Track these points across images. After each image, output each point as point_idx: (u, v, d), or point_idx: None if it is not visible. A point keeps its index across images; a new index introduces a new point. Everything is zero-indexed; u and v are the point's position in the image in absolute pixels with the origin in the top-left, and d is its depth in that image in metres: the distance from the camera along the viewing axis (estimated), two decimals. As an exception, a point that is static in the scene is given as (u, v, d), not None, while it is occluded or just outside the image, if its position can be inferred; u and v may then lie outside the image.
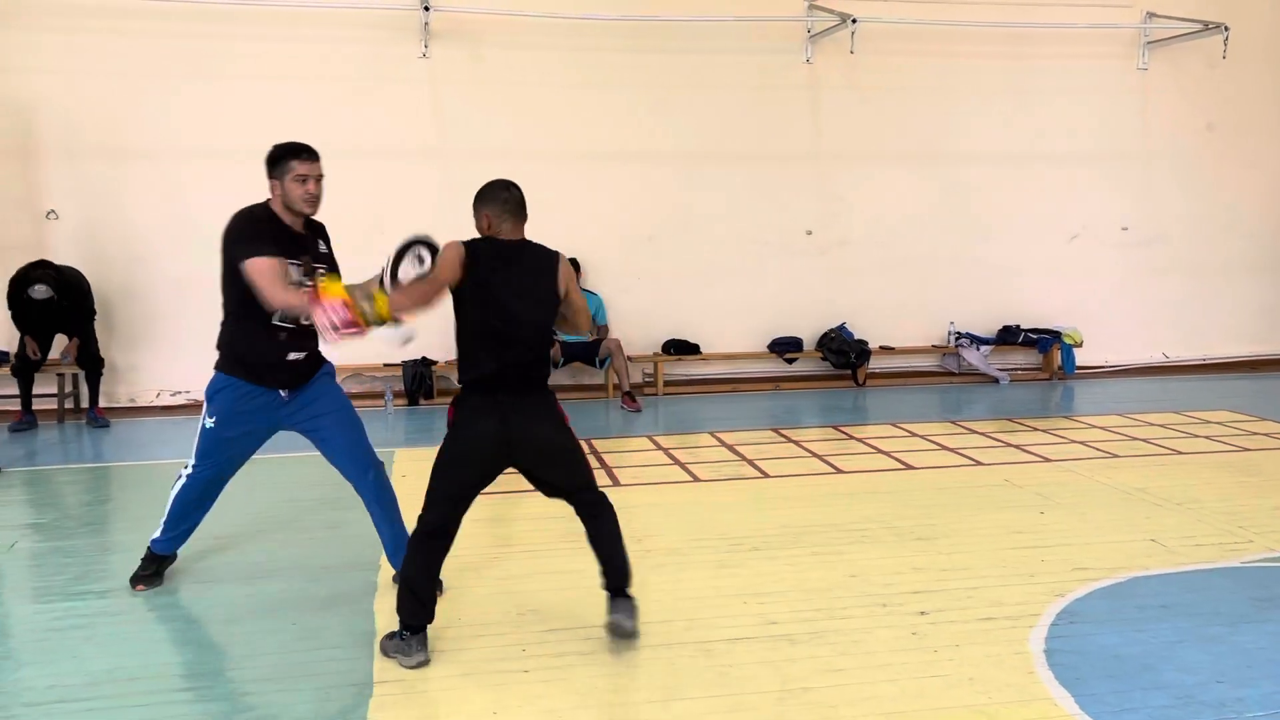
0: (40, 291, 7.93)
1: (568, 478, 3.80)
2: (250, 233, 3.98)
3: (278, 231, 4.05)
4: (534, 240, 3.82)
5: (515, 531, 5.43)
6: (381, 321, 3.63)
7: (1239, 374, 10.53)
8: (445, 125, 9.25)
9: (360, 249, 9.02)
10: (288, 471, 6.79)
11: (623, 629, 3.70)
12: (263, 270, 3.88)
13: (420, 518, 3.71)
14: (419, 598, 3.61)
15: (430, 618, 3.65)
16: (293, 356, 4.16)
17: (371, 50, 9.02)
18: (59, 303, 8.01)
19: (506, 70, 9.24)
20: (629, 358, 9.16)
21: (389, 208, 9.17)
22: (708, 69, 9.52)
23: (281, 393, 4.19)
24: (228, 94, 8.85)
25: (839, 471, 6.48)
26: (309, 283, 4.00)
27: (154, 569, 4.48)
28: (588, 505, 3.81)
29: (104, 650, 3.81)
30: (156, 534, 4.46)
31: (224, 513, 5.68)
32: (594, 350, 9.01)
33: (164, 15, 8.69)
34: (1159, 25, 10.19)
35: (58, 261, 8.23)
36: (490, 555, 4.90)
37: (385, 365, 9.21)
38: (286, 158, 4.07)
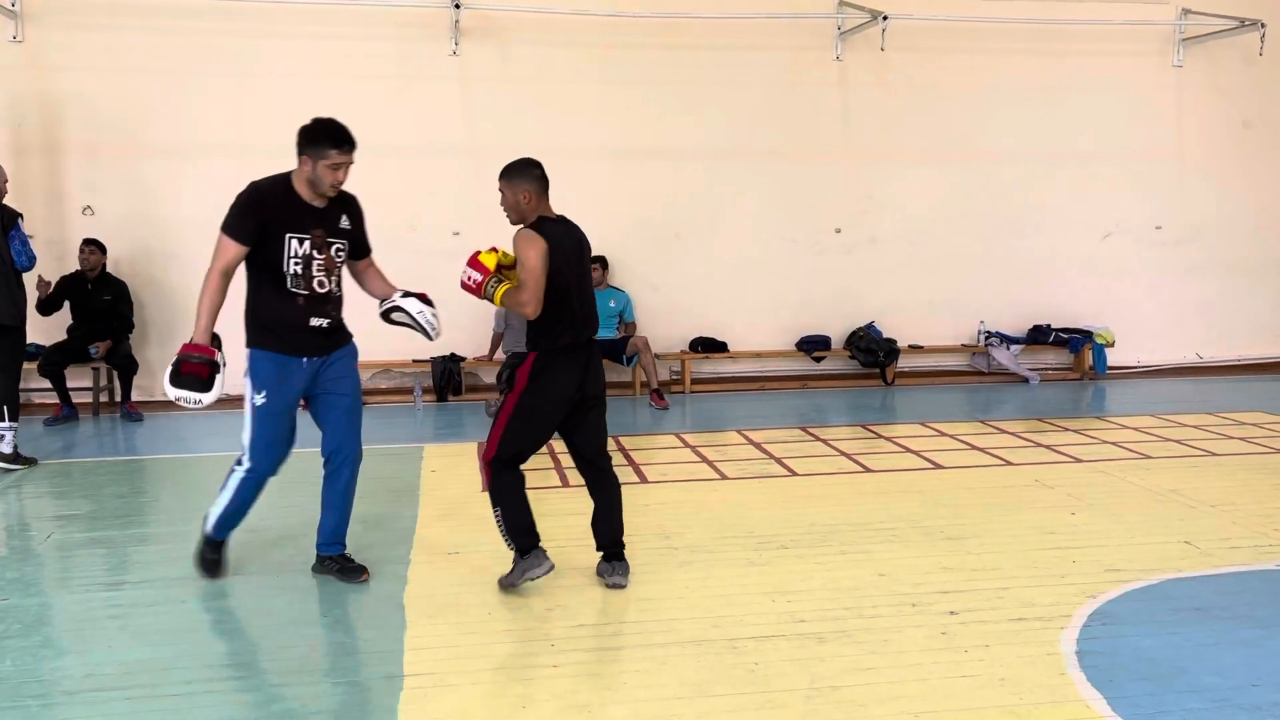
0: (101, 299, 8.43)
1: (598, 438, 4.39)
2: (244, 208, 4.12)
3: (290, 206, 4.14)
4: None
5: (541, 527, 5.43)
6: (490, 299, 4.23)
7: (1273, 375, 10.39)
8: (475, 122, 9.29)
9: (391, 245, 9.16)
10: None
11: (619, 585, 4.28)
12: (223, 250, 4.10)
13: (498, 456, 4.19)
14: (521, 523, 4.20)
15: (536, 538, 4.21)
16: (314, 322, 4.27)
17: (402, 48, 9.08)
18: (114, 307, 8.40)
19: (536, 67, 9.27)
20: (656, 355, 9.16)
21: (420, 205, 9.25)
22: (737, 65, 9.50)
23: (303, 360, 4.24)
24: (257, 91, 8.94)
25: (867, 470, 6.45)
26: (319, 256, 4.19)
27: (219, 554, 4.49)
28: (603, 471, 4.41)
29: (139, 640, 3.86)
30: (211, 525, 4.40)
31: (255, 506, 5.75)
32: (621, 348, 9.02)
33: (194, 13, 8.79)
34: (1194, 22, 10.07)
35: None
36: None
37: (415, 361, 9.26)
38: (325, 143, 4.11)
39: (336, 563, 4.46)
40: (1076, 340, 10.07)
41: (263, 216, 4.08)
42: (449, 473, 6.49)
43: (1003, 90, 9.96)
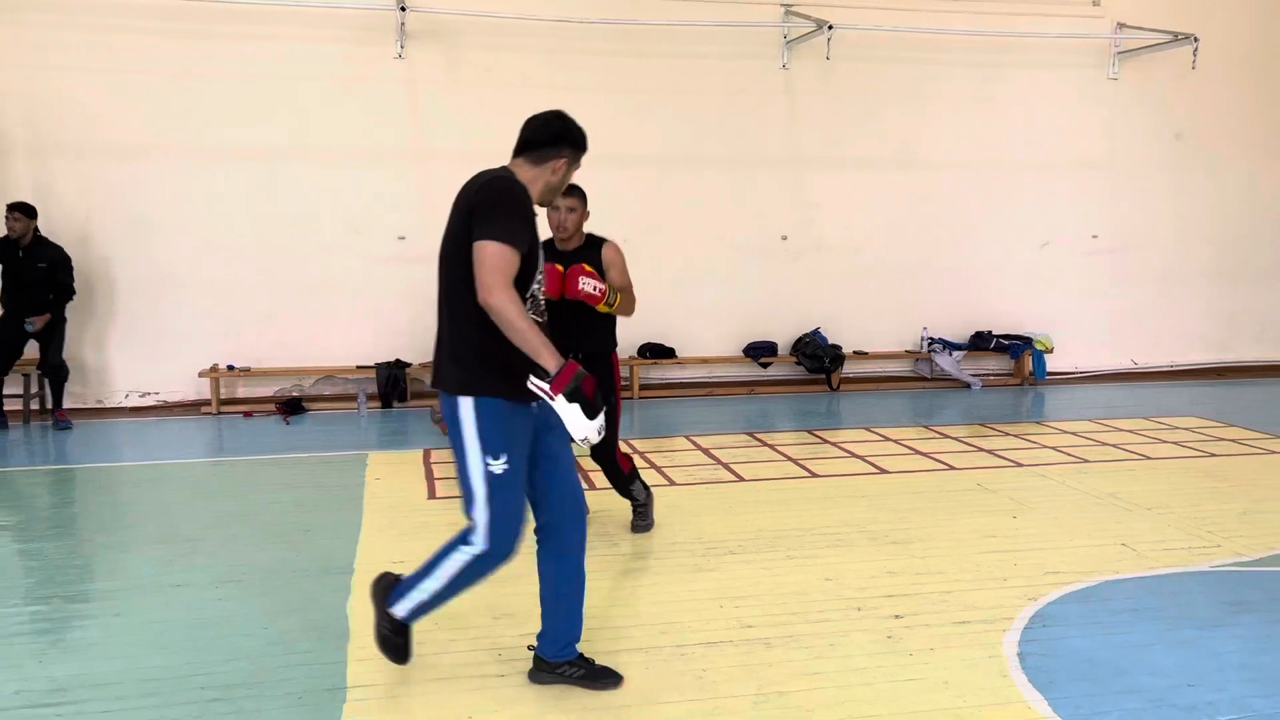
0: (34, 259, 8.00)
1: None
2: (518, 209, 3.14)
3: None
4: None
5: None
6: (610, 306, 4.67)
7: (1205, 380, 10.67)
8: (422, 126, 9.21)
9: (335, 249, 9.09)
10: (257, 473, 6.74)
11: None
12: (505, 263, 3.02)
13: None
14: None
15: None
16: None
17: (347, 50, 8.97)
18: (50, 275, 8.05)
19: (484, 71, 9.22)
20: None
21: (364, 209, 9.14)
22: (685, 73, 9.53)
23: (533, 406, 3.25)
24: (200, 92, 8.78)
25: (814, 475, 6.50)
26: (539, 276, 3.33)
27: (406, 638, 3.46)
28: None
29: (71, 655, 3.75)
30: (407, 609, 3.36)
31: (192, 515, 5.64)
32: (569, 353, 8.99)
33: (136, 12, 8.60)
34: (1129, 35, 10.32)
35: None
36: (465, 559, 4.87)
37: (359, 368, 9.14)
38: (582, 143, 3.42)
39: (580, 666, 3.48)
40: (1017, 347, 10.25)
41: (533, 221, 3.21)
42: (393, 480, 6.40)
43: (945, 100, 10.12)
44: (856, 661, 3.67)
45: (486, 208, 3.09)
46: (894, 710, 3.30)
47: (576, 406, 3.05)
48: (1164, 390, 10.06)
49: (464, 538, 3.28)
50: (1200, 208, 10.85)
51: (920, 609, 4.15)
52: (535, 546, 3.46)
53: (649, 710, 3.31)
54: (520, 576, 4.53)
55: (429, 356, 9.26)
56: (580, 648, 3.52)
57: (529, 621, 4.01)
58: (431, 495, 6.04)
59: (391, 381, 9.05)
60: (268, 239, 9.01)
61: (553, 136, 3.32)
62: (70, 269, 8.20)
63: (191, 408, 8.92)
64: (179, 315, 8.94)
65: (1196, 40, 9.95)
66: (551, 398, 3.04)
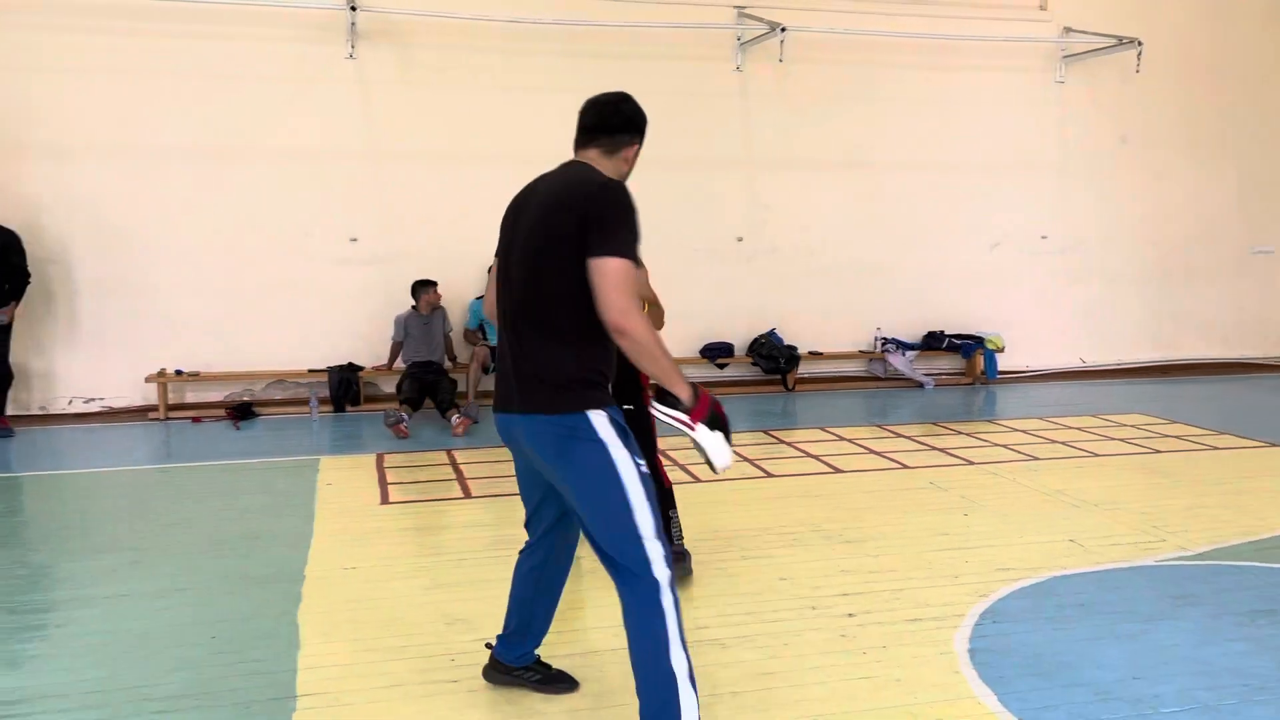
0: None
1: None
2: (634, 218, 2.83)
3: None
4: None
5: (443, 540, 5.36)
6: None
7: (1151, 378, 10.87)
8: (374, 127, 9.12)
9: (287, 251, 8.97)
10: (205, 480, 6.63)
11: None
12: (631, 278, 2.74)
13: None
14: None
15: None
16: None
17: (297, 50, 8.85)
18: (2, 258, 7.88)
19: (436, 72, 9.15)
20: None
21: (316, 210, 9.03)
22: (640, 74, 9.49)
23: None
24: (148, 92, 8.62)
25: (769, 475, 6.52)
26: None
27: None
28: None
29: (14, 668, 3.66)
30: (682, 702, 2.83)
31: (138, 523, 5.54)
32: (524, 356, 8.95)
33: (83, 10, 8.43)
34: (1075, 40, 10.48)
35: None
36: (418, 564, 4.83)
37: (310, 371, 9.03)
38: (643, 133, 3.13)
39: (537, 671, 3.43)
40: (969, 346, 10.37)
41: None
42: (345, 485, 6.33)
43: (897, 102, 10.21)
44: (810, 661, 3.68)
45: (607, 219, 2.75)
46: (848, 708, 3.32)
47: (720, 435, 2.93)
48: (1111, 388, 10.23)
49: (638, 575, 2.82)
50: (1145, 210, 11.06)
51: (873, 607, 4.18)
52: (518, 551, 3.39)
53: (604, 713, 3.30)
54: (475, 582, 4.52)
55: (381, 360, 9.22)
56: (537, 651, 3.49)
57: (483, 628, 3.98)
58: (384, 500, 5.98)
59: (344, 385, 8.95)
60: (217, 241, 8.86)
61: (625, 121, 3.02)
62: (21, 250, 8.03)
63: (138, 414, 8.75)
64: (125, 319, 8.77)
65: (1140, 44, 10.14)
66: (691, 427, 2.90)
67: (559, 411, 2.86)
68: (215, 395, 9.01)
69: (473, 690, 3.45)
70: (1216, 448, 7.32)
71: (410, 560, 4.89)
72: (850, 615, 4.10)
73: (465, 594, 4.38)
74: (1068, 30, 10.52)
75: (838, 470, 6.65)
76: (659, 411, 2.92)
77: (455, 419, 7.93)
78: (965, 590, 4.38)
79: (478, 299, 9.18)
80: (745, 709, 3.31)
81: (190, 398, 9.01)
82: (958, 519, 5.49)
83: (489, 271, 3.06)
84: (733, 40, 9.74)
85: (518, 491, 3.30)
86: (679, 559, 4.38)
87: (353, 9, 8.67)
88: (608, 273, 2.72)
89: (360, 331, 9.15)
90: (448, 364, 8.84)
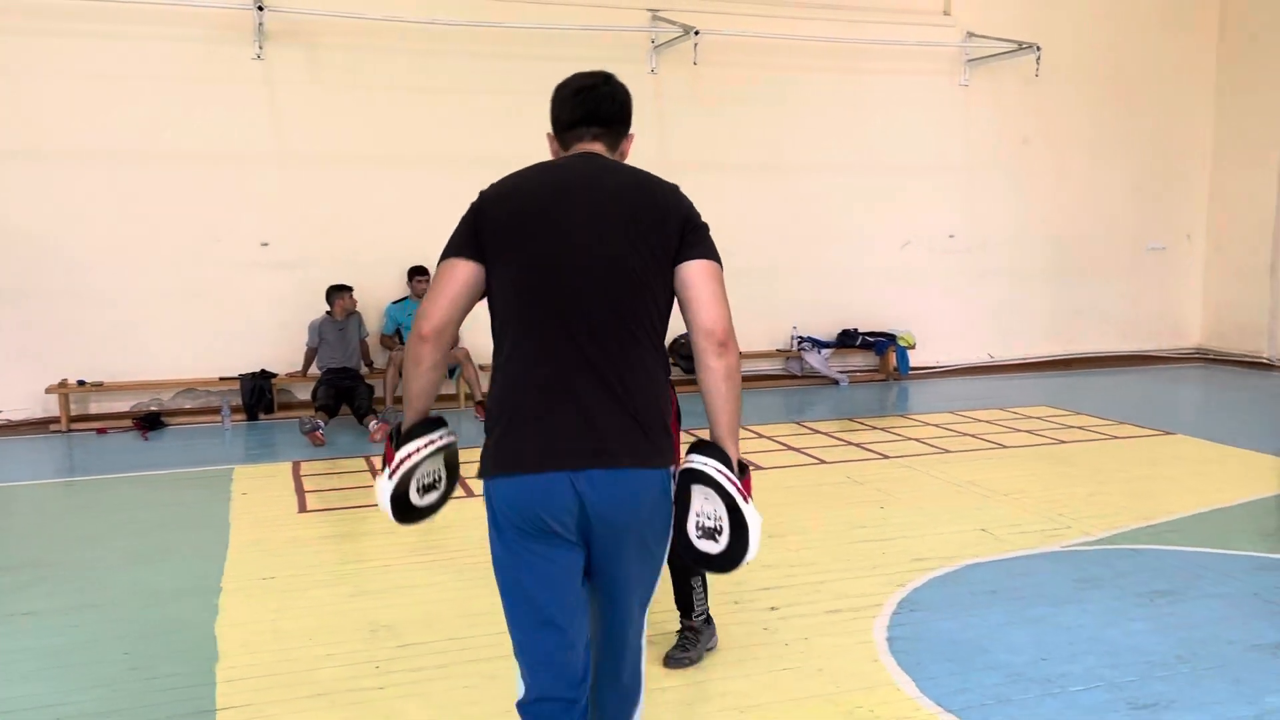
0: None
1: None
2: None
3: None
4: None
5: (364, 547, 5.29)
6: None
7: (1054, 371, 11.26)
8: (282, 129, 8.93)
9: (195, 257, 8.74)
10: (113, 493, 6.44)
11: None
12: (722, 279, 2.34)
13: None
14: None
15: None
16: None
17: (202, 50, 8.63)
18: None
19: (347, 73, 9.01)
20: (480, 366, 9.05)
21: (224, 214, 8.82)
22: (554, 76, 9.48)
23: None
24: (46, 92, 8.31)
25: (690, 474, 6.59)
26: None
27: None
28: None
29: (-91, 693, 3.51)
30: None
31: (42, 538, 5.35)
32: (443, 360, 8.87)
33: (-33, 7, 8.10)
34: (977, 44, 10.80)
35: None
36: (339, 573, 4.76)
37: (221, 379, 8.81)
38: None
39: None
40: (882, 343, 10.61)
41: None
42: (260, 495, 6.20)
43: (809, 105, 10.39)
44: (734, 654, 3.74)
45: (699, 221, 2.34)
46: (771, 699, 3.39)
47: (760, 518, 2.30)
48: (1017, 382, 10.57)
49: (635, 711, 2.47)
50: (1046, 209, 11.44)
51: (795, 600, 4.27)
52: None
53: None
54: (399, 588, 4.48)
55: (296, 366, 9.02)
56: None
57: (406, 633, 3.96)
58: (302, 508, 5.88)
59: (256, 393, 8.75)
60: (121, 246, 8.59)
61: (627, 111, 2.53)
62: None
63: (39, 426, 8.43)
64: (22, 328, 8.44)
65: (1039, 49, 10.50)
66: (746, 498, 2.27)
67: (665, 463, 2.30)
68: (121, 405, 8.73)
69: (401, 697, 3.43)
70: (1116, 437, 7.63)
71: (331, 569, 4.82)
72: (773, 609, 4.17)
73: (390, 600, 4.34)
74: (970, 35, 10.83)
75: (758, 467, 6.74)
76: (720, 474, 2.25)
77: (373, 425, 7.82)
78: (883, 581, 4.49)
79: (394, 303, 9.07)
80: (672, 704, 3.36)
81: (94, 409, 8.71)
82: (874, 512, 5.62)
83: (444, 268, 2.34)
84: (647, 43, 9.80)
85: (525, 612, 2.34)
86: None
87: (260, 9, 8.48)
88: (714, 275, 2.29)
89: (273, 338, 8.97)
90: (364, 370, 8.72)
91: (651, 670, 3.60)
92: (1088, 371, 11.31)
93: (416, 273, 8.99)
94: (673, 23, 9.52)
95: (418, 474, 2.45)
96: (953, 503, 5.79)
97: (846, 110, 10.56)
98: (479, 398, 8.72)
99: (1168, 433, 7.75)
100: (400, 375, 8.66)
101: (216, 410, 8.67)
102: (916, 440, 7.51)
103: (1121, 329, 11.88)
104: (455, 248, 2.33)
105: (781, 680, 3.53)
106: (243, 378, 8.75)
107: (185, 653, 3.82)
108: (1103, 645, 3.81)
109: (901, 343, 10.69)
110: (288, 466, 6.89)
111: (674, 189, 2.39)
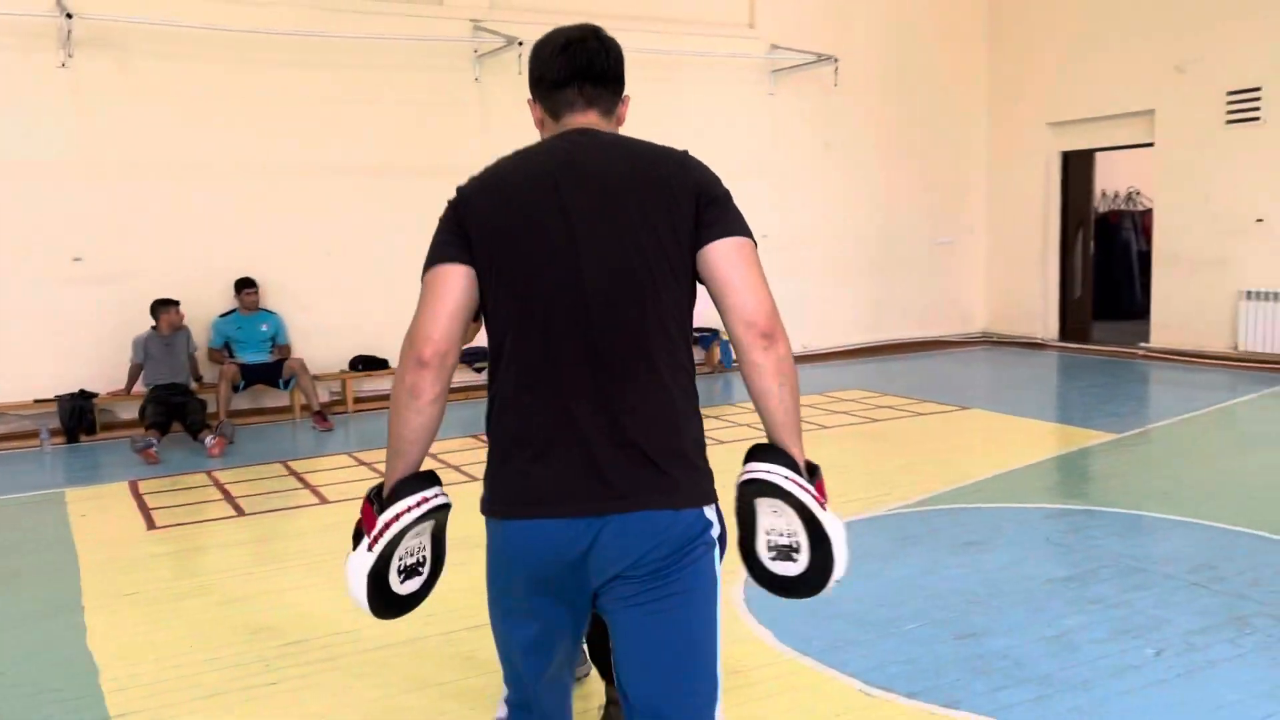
0: None
1: None
2: None
3: None
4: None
5: (226, 558, 5.29)
6: None
7: (864, 358, 12.16)
8: (93, 139, 8.58)
9: (5, 273, 8.28)
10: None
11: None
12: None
13: None
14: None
15: None
16: None
17: (5, 58, 8.20)
18: None
19: (162, 82, 8.75)
20: (315, 376, 9.00)
21: (33, 229, 8.40)
22: (380, 85, 9.56)
23: None
24: None
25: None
26: None
27: None
28: None
29: None
30: None
31: None
32: (277, 371, 8.78)
33: None
34: (780, 56, 11.54)
35: None
36: (204, 583, 4.78)
37: (36, 401, 8.39)
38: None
39: None
40: (706, 338, 11.18)
41: None
42: (101, 515, 6.05)
43: (631, 114, 10.78)
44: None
45: (721, 193, 2.00)
46: (648, 660, 3.71)
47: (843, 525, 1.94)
48: (833, 369, 11.37)
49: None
50: (848, 209, 12.33)
51: (657, 573, 4.61)
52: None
53: (430, 690, 3.51)
54: (271, 593, 4.55)
55: (118, 384, 8.70)
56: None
57: (288, 632, 4.06)
58: (151, 526, 5.78)
59: (76, 414, 8.38)
60: (-86, 266, 8.06)
61: (622, 65, 2.17)
62: None
63: None
64: None
65: (837, 61, 11.33)
66: (823, 505, 1.94)
67: (692, 503, 1.97)
68: (-78, 435, 8.19)
69: (296, 690, 3.55)
70: (921, 414, 8.42)
71: (195, 580, 4.83)
72: (638, 582, 4.51)
73: (262, 605, 4.41)
74: (774, 47, 11.56)
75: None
76: (793, 483, 1.93)
77: (209, 440, 7.67)
78: (732, 550, 4.89)
79: (221, 317, 8.88)
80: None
81: (-109, 440, 8.13)
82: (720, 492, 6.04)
83: (432, 279, 2.01)
84: (470, 53, 9.97)
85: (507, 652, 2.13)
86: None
87: (68, 16, 8.15)
88: (745, 256, 1.94)
89: (92, 356, 8.61)
90: (193, 385, 8.51)
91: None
92: (892, 357, 12.27)
93: (244, 285, 8.85)
94: (496, 33, 9.74)
95: (400, 550, 2.00)
96: (786, 479, 6.29)
97: (665, 118, 10.97)
98: (316, 408, 8.68)
99: (964, 408, 8.60)
100: (234, 389, 8.52)
101: (34, 434, 8.26)
102: (746, 425, 8.03)
103: (918, 317, 12.94)
104: (441, 253, 1.97)
105: (655, 642, 3.86)
106: (60, 399, 8.37)
107: (64, 667, 3.79)
108: (926, 590, 4.35)
109: (724, 337, 11.30)
110: (123, 486, 6.70)
111: (683, 157, 2.02)
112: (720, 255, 1.93)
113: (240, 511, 6.04)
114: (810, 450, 2.06)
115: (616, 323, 1.91)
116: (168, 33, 8.64)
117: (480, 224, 1.97)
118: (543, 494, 1.91)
